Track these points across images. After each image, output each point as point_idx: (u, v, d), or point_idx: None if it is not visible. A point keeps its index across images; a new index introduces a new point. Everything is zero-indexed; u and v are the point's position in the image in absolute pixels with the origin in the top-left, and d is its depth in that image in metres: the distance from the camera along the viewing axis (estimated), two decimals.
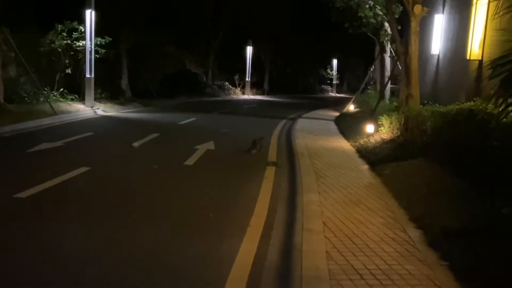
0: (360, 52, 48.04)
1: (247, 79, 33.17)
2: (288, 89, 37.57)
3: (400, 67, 13.96)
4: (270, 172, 7.70)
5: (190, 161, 8.26)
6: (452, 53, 11.41)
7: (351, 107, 19.13)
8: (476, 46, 9.00)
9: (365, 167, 7.71)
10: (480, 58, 8.85)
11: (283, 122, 16.05)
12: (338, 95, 44.59)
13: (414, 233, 4.34)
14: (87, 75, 16.65)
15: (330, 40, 40.94)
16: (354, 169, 7.49)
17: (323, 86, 46.58)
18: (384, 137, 9.75)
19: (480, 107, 5.82)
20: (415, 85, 8.99)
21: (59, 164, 7.62)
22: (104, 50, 18.20)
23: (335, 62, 47.75)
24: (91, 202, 5.66)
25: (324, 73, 47.82)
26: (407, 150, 7.75)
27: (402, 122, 9.17)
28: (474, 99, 7.07)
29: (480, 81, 8.07)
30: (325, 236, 4.22)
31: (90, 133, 11.42)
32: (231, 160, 8.88)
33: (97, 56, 17.53)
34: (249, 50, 33.12)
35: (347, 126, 13.09)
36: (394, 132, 9.85)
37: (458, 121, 6.19)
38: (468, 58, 9.19)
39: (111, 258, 3.99)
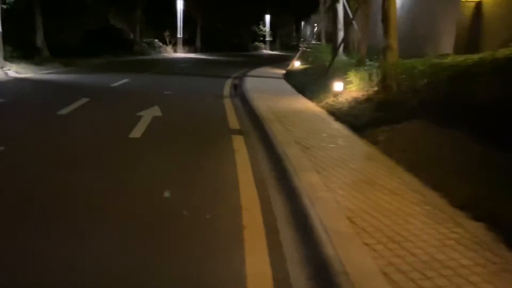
0: (292, 6, 47.05)
1: (178, 36, 30.86)
2: (221, 47, 35.73)
3: (351, 18, 12.85)
4: (238, 142, 6.32)
5: (136, 133, 6.63)
6: None
7: (297, 64, 17.95)
8: None
9: (349, 132, 6.53)
10: None
11: (228, 81, 14.54)
12: (272, 52, 43.38)
13: (478, 229, 3.21)
14: None
15: None
16: (338, 136, 6.29)
17: (256, 43, 45.07)
18: (356, 96, 8.63)
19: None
20: (394, 34, 7.86)
21: None
22: None
23: (267, 18, 46.23)
24: (3, 202, 3.98)
25: (257, 30, 46.25)
26: (394, 111, 6.65)
27: (380, 78, 8.08)
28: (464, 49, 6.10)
29: (477, 27, 7.06)
30: (364, 243, 2.98)
31: (1, 100, 9.29)
32: (185, 128, 7.36)
33: (4, 6, 14.73)
34: (179, 3, 30.62)
35: (303, 84, 11.87)
36: (367, 90, 8.78)
37: (474, 75, 5.10)
38: None
39: None
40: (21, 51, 17.14)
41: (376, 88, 8.69)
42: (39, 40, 19.76)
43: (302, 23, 62.27)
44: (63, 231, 3.35)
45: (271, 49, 46.00)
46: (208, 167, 5.11)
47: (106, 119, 7.79)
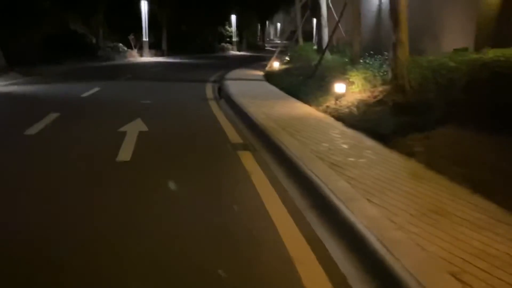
0: (256, 6, 46.19)
1: (144, 39, 29.42)
2: (188, 49, 34.46)
3: (339, 14, 12.10)
4: (248, 160, 5.39)
5: (124, 155, 5.58)
6: None
7: (276, 64, 17.08)
8: None
9: (372, 142, 5.69)
10: None
11: (208, 86, 13.55)
12: (240, 53, 42.43)
13: None
14: None
15: None
16: (362, 148, 5.44)
17: (223, 44, 43.90)
18: (361, 98, 7.84)
19: None
20: (404, 28, 7.11)
21: None
22: None
23: (233, 18, 45.20)
24: None
25: (223, 31, 45.11)
26: (419, 114, 5.87)
27: (391, 77, 7.31)
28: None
29: (504, 21, 6.36)
30: None
31: None
32: (180, 144, 6.35)
33: None
34: (143, 5, 29.22)
35: (292, 86, 11.02)
36: (372, 91, 8.01)
37: None
38: None
39: None
40: None
41: (381, 89, 7.97)
42: None
43: (267, 22, 61.72)
44: None
45: (239, 50, 44.96)
46: (226, 197, 4.15)
47: (84, 138, 6.66)
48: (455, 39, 8.22)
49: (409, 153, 5.02)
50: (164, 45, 32.73)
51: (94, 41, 27.52)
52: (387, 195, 3.80)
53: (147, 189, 4.41)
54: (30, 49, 20.89)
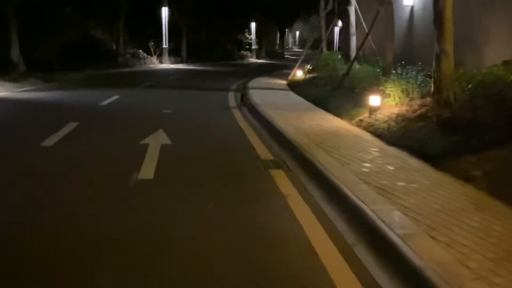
0: (275, 14, 45.85)
1: (164, 46, 29.23)
2: (207, 57, 34.23)
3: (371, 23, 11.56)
4: (282, 181, 4.89)
5: (147, 172, 5.12)
6: None
7: (299, 73, 16.59)
8: None
9: (419, 163, 5.14)
10: None
11: (230, 95, 13.14)
12: (259, 61, 42.11)
13: None
14: None
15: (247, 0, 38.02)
16: (410, 169, 4.90)
17: (242, 52, 43.61)
18: (399, 112, 7.29)
19: None
20: (450, 38, 6.53)
21: None
22: None
23: (253, 25, 44.95)
24: None
25: (243, 38, 44.86)
26: (471, 132, 5.30)
27: (433, 90, 6.75)
28: None
29: None
30: None
31: None
32: (207, 160, 5.88)
33: None
34: (164, 11, 29.07)
35: (319, 97, 10.51)
36: (410, 105, 7.46)
37: None
38: None
39: None
40: None
41: (420, 102, 7.42)
42: (15, 54, 18.00)
43: (286, 30, 61.41)
44: None
45: (258, 58, 44.63)
46: (263, 228, 3.65)
47: (103, 151, 6.24)
48: (501, 50, 7.62)
49: (465, 178, 4.46)
50: (183, 52, 32.53)
51: (114, 47, 27.42)
52: (453, 231, 3.25)
53: (172, 216, 3.93)
54: (51, 55, 20.78)
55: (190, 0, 30.72)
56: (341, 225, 3.71)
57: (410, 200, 3.90)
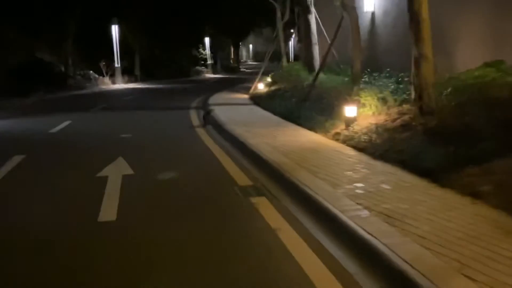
0: (229, 28, 45.53)
1: (116, 65, 28.10)
2: (162, 74, 33.30)
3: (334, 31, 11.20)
4: (268, 211, 4.26)
5: (108, 212, 4.35)
6: None
7: (260, 86, 16.09)
8: None
9: (416, 179, 4.64)
10: None
11: (192, 113, 12.44)
12: (216, 76, 41.47)
13: None
14: None
15: (200, 14, 37.55)
16: (409, 187, 4.39)
17: (197, 67, 42.88)
18: (377, 122, 6.85)
19: None
20: (428, 41, 6.15)
21: None
22: None
23: (207, 40, 44.42)
24: None
25: (197, 53, 44.16)
26: (465, 142, 4.86)
27: (415, 97, 6.34)
28: None
29: None
30: None
31: None
32: (176, 191, 5.14)
33: None
34: (115, 29, 28.01)
35: (288, 110, 9.98)
36: (388, 114, 7.05)
37: None
38: None
39: None
40: None
41: (398, 110, 7.03)
42: None
43: (240, 44, 61.33)
44: None
45: (214, 73, 44.02)
46: (256, 274, 2.99)
47: (55, 190, 5.38)
48: (477, 52, 7.35)
49: (473, 194, 3.98)
50: (137, 71, 31.46)
51: (63, 69, 26.06)
52: (488, 267, 2.71)
53: (141, 265, 3.20)
54: None
55: (141, 16, 29.85)
56: (352, 266, 3.11)
57: (423, 227, 3.36)
